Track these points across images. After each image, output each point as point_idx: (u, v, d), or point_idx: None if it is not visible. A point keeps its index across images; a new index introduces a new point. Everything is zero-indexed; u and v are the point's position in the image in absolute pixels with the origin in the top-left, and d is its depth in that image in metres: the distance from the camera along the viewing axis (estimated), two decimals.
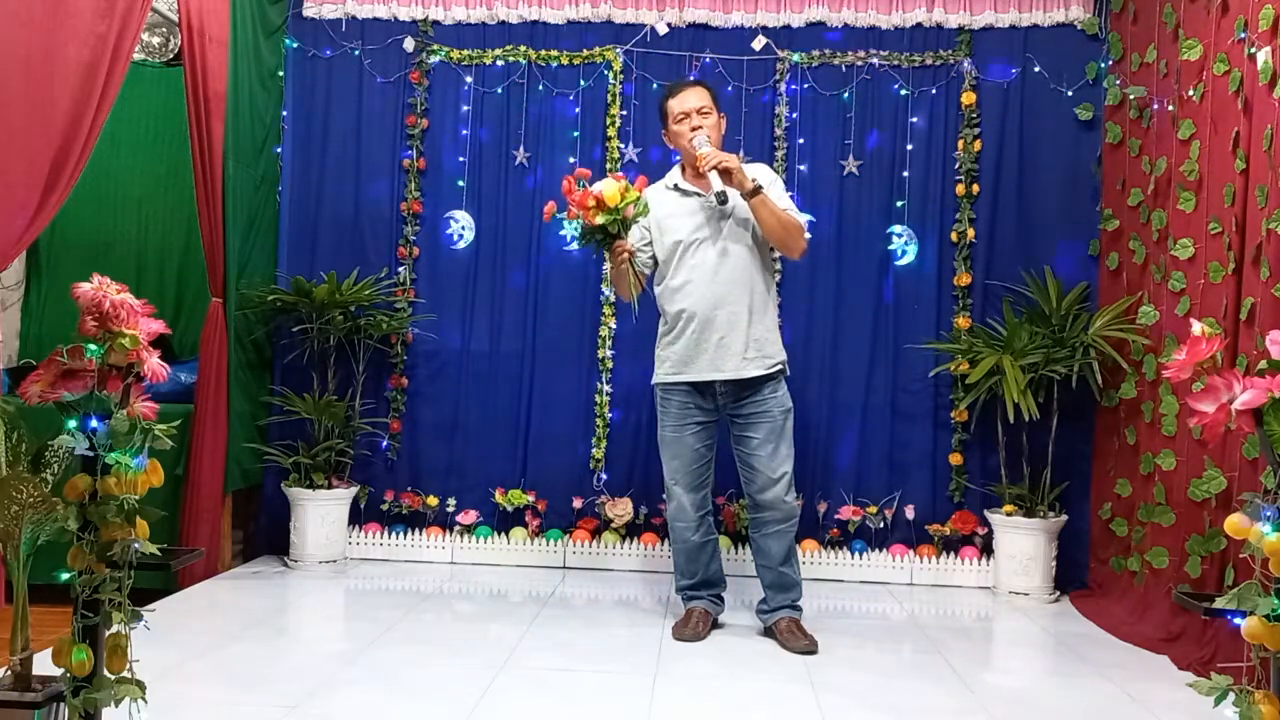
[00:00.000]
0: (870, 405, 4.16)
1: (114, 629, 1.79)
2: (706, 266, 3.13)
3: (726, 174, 3.03)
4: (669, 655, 2.99)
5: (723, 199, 3.02)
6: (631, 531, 4.20)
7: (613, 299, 4.22)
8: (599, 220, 2.91)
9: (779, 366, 3.18)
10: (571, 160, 4.18)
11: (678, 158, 3.33)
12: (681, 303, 3.16)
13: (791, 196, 3.39)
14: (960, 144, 4.14)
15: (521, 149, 4.28)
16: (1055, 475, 3.91)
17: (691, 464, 3.21)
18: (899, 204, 4.17)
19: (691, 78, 3.99)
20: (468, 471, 4.27)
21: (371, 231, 4.32)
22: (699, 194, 3.17)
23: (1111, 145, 3.99)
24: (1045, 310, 3.93)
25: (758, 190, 3.05)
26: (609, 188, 2.91)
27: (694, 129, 3.12)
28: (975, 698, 2.70)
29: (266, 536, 4.21)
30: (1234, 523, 1.74)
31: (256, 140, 4.06)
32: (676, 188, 3.23)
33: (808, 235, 3.19)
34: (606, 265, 3.87)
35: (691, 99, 3.17)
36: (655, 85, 4.19)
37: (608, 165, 4.19)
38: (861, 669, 2.93)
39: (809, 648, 3.05)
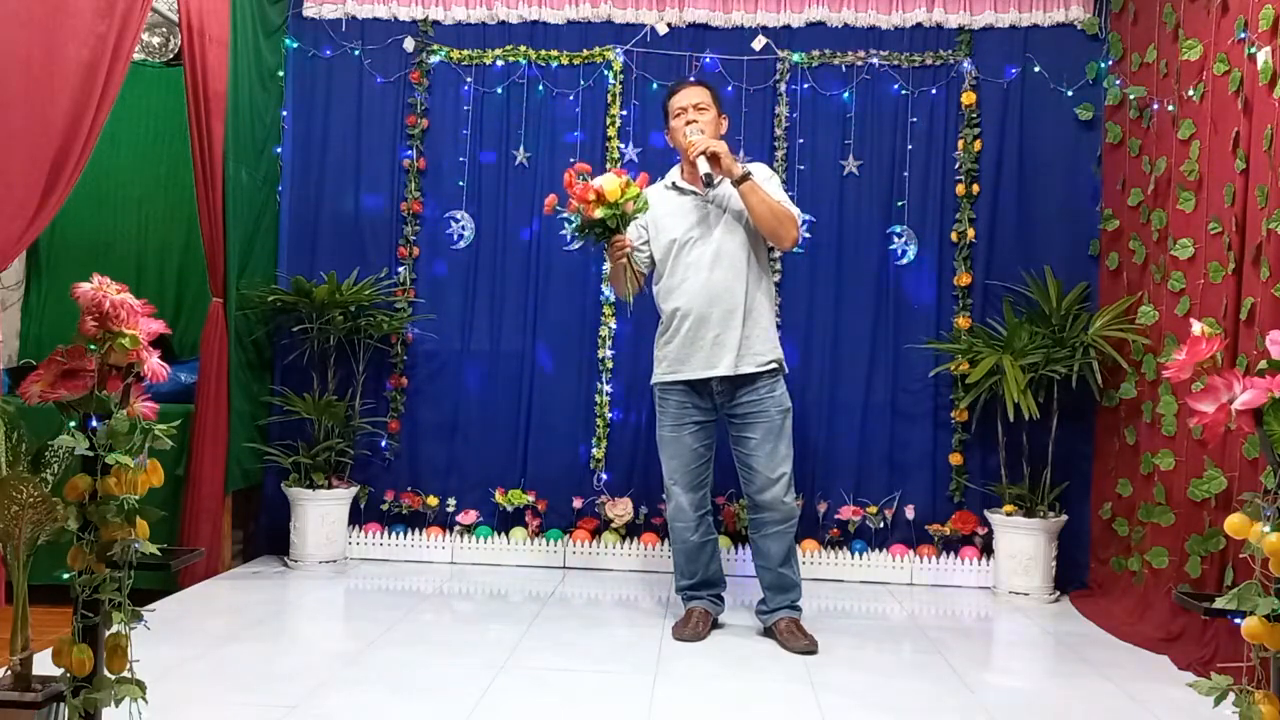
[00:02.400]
0: (870, 405, 4.16)
1: (114, 629, 1.79)
2: (701, 264, 3.14)
3: (715, 160, 3.05)
4: (669, 655, 2.99)
5: (709, 182, 3.04)
6: (631, 531, 4.20)
7: (612, 299, 4.22)
8: (598, 214, 2.93)
9: (774, 364, 3.17)
10: (572, 160, 4.17)
11: (678, 158, 3.34)
12: (677, 301, 3.16)
13: (791, 196, 3.39)
14: (960, 144, 4.14)
15: (521, 149, 4.28)
16: (1055, 475, 3.91)
17: (690, 464, 3.21)
18: (899, 204, 4.17)
19: (692, 78, 3.98)
20: (468, 471, 4.27)
21: (371, 231, 4.32)
22: (695, 192, 3.18)
23: (1111, 145, 3.99)
24: (1045, 310, 3.93)
25: (746, 177, 3.06)
26: (610, 182, 2.92)
27: (688, 123, 3.14)
28: (975, 698, 2.70)
29: (266, 536, 4.21)
30: (1234, 523, 1.74)
31: (256, 140, 4.06)
32: (674, 186, 3.24)
33: (806, 233, 3.19)
34: (606, 265, 3.87)
35: (689, 96, 3.20)
36: (655, 85, 4.20)
37: (607, 165, 4.19)
38: (861, 669, 2.93)
39: (809, 648, 3.05)
